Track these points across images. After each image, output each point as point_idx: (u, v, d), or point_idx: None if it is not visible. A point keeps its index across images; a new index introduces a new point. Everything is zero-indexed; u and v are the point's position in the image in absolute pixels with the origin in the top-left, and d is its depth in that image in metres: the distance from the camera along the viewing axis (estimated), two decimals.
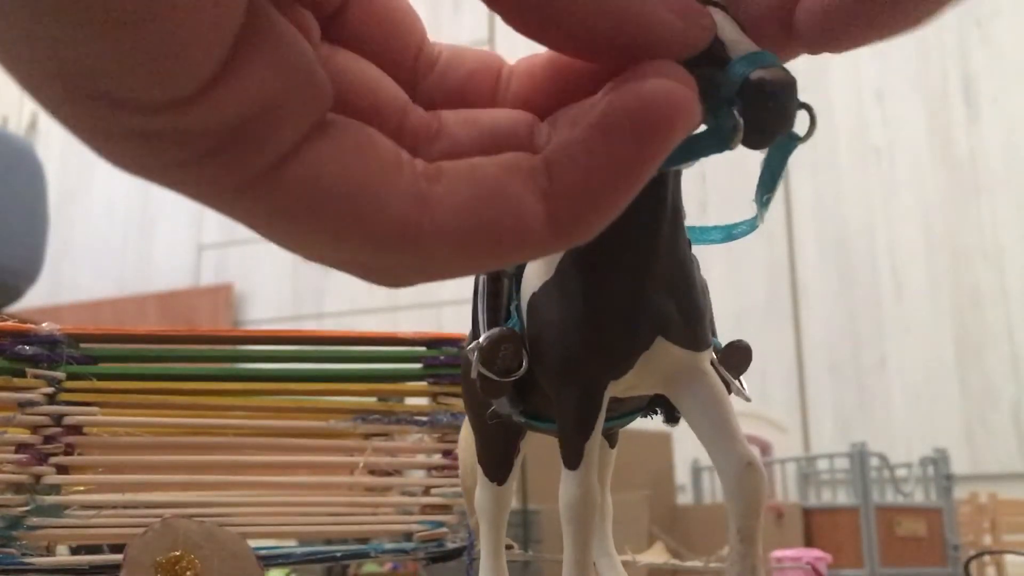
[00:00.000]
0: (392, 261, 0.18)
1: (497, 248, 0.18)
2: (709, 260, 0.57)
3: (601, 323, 0.52)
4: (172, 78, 0.15)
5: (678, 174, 0.49)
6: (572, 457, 0.53)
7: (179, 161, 0.16)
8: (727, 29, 0.44)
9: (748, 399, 0.58)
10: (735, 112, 0.33)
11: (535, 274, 0.55)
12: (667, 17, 0.19)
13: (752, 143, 0.34)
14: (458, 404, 0.81)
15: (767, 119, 0.34)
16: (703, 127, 0.34)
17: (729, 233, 0.36)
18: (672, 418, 0.59)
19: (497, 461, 0.65)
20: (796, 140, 0.33)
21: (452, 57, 0.21)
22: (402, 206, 0.17)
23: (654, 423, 0.65)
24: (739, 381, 0.57)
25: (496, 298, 0.58)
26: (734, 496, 0.49)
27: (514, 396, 0.57)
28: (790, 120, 0.33)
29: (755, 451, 0.53)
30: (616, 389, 0.54)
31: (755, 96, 0.35)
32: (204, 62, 0.15)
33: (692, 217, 0.49)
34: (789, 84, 0.35)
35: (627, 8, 0.18)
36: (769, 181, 0.33)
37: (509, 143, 0.18)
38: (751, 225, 0.34)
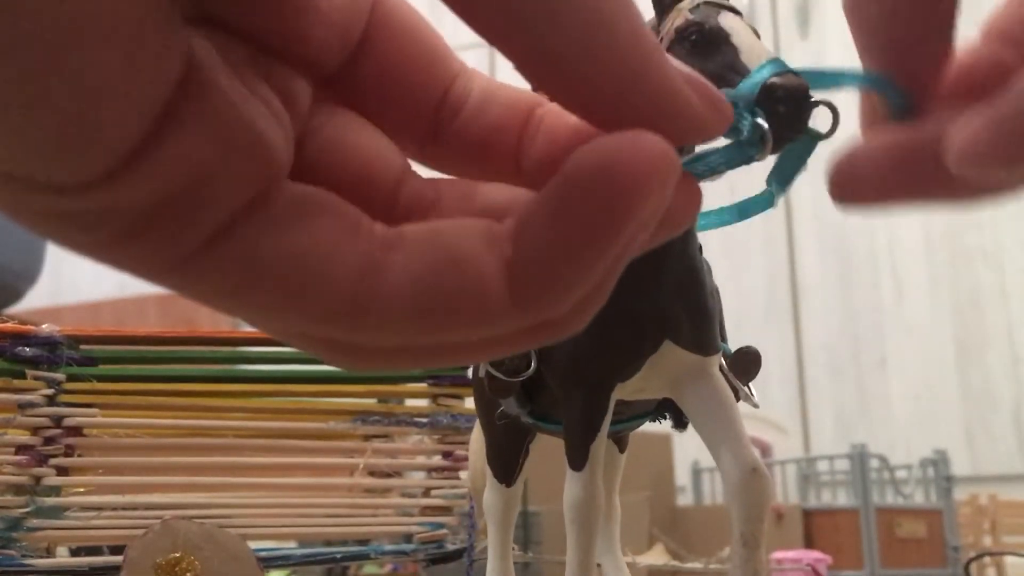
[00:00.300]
0: (345, 336, 0.17)
1: (454, 321, 0.16)
2: (709, 260, 0.56)
3: (609, 325, 0.52)
4: (75, 162, 0.14)
5: None
6: (577, 458, 0.53)
7: (105, 241, 0.15)
8: (742, 34, 0.44)
9: (756, 405, 0.58)
10: (759, 121, 0.33)
11: None
12: (687, 96, 0.17)
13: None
14: (458, 405, 0.81)
15: (780, 124, 0.34)
16: (724, 140, 0.34)
17: (741, 211, 0.35)
18: (680, 423, 0.60)
19: (506, 463, 0.66)
20: (819, 137, 0.33)
21: (482, 100, 0.19)
22: (351, 277, 0.16)
23: (654, 424, 0.65)
24: (748, 387, 0.57)
25: None
26: (738, 501, 0.49)
27: (522, 396, 0.57)
28: (802, 125, 0.34)
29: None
30: (623, 392, 0.55)
31: (768, 102, 0.35)
32: (113, 145, 0.14)
33: None
34: (802, 89, 0.36)
35: (645, 77, 0.16)
36: (788, 174, 0.33)
37: None
38: (765, 202, 0.34)
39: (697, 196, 0.18)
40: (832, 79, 0.28)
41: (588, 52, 0.16)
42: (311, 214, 0.16)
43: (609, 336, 0.52)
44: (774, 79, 0.36)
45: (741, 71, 0.42)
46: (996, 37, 0.23)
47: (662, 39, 0.47)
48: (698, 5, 0.46)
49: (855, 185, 0.24)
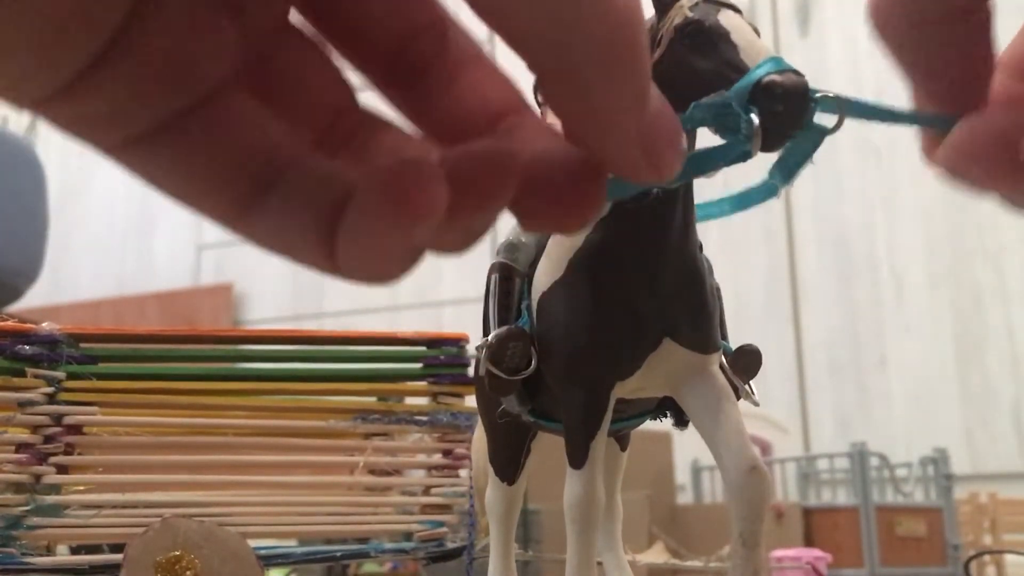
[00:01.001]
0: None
1: (297, 260, 0.20)
2: (708, 257, 0.56)
3: (609, 323, 0.52)
4: (35, 89, 0.17)
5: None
6: (578, 456, 0.53)
7: (67, 125, 0.18)
8: (742, 32, 0.44)
9: (756, 403, 0.58)
10: (752, 117, 0.34)
11: (545, 273, 0.55)
12: (632, 154, 0.19)
13: (764, 145, 0.34)
14: (458, 404, 0.81)
15: (778, 121, 0.34)
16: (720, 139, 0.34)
17: (741, 201, 0.35)
18: (681, 421, 0.60)
19: (508, 461, 0.66)
20: (825, 132, 0.34)
21: (460, 75, 0.21)
22: (227, 211, 0.20)
23: (653, 423, 0.65)
24: (748, 385, 0.57)
25: (507, 296, 0.58)
26: (738, 499, 0.49)
27: (523, 395, 0.57)
28: (801, 122, 0.34)
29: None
30: (623, 390, 0.54)
31: (766, 99, 0.35)
32: (65, 74, 0.17)
33: None
34: (800, 86, 0.36)
35: (604, 130, 0.19)
36: (792, 167, 0.33)
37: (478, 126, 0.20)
38: (766, 192, 0.34)
39: (591, 202, 0.20)
40: (892, 117, 0.29)
41: (597, 103, 0.18)
42: (217, 138, 0.19)
43: (609, 334, 0.52)
44: (773, 76, 0.36)
45: (741, 69, 0.42)
46: (1013, 73, 0.26)
47: (662, 37, 0.47)
48: (698, 3, 0.46)
49: (967, 163, 0.26)
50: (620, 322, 0.52)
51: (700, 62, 0.45)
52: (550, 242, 0.56)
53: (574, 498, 0.53)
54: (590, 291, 0.52)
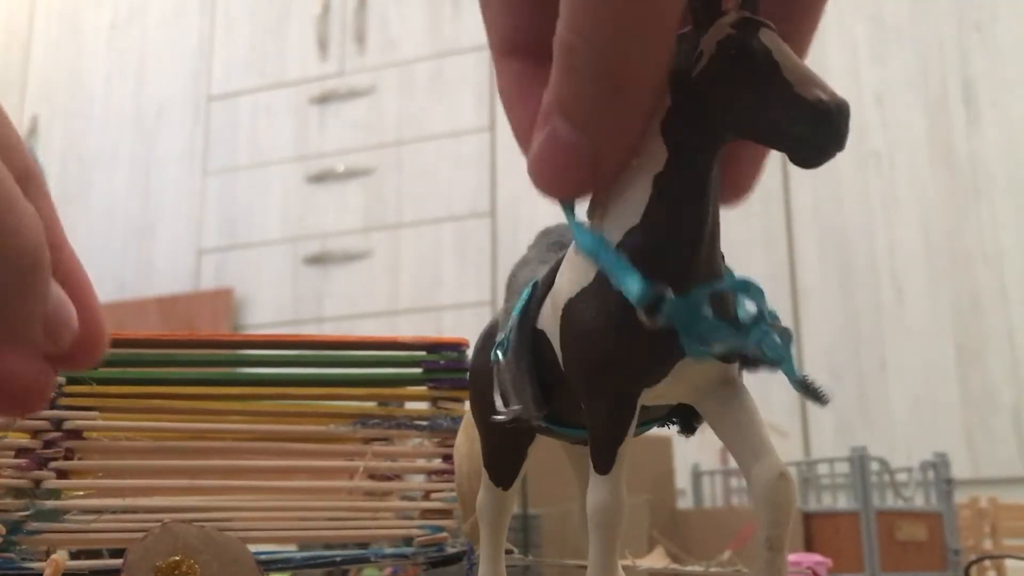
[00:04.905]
0: None
1: None
2: None
3: (639, 331, 0.52)
4: None
5: (718, 189, 0.49)
6: (604, 462, 0.53)
7: None
8: (783, 50, 0.45)
9: None
10: (793, 132, 0.35)
11: (571, 280, 0.55)
12: (37, 335, 0.30)
13: (805, 162, 0.36)
14: (458, 408, 0.81)
15: (821, 139, 0.36)
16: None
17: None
18: (688, 428, 0.60)
19: (505, 466, 0.66)
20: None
21: None
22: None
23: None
24: None
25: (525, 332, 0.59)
26: (766, 506, 0.49)
27: (539, 400, 0.57)
28: (843, 140, 0.36)
29: None
30: (646, 397, 0.55)
31: (812, 117, 0.37)
32: None
33: None
34: (843, 106, 0.37)
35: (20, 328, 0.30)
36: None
37: None
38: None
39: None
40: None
41: None
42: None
43: (639, 342, 0.53)
44: (818, 93, 0.38)
45: (781, 86, 0.43)
46: None
47: (702, 51, 0.48)
48: (738, 20, 0.47)
49: None
50: (650, 329, 0.52)
51: (743, 79, 0.45)
52: (572, 249, 0.56)
53: (600, 503, 0.53)
54: (620, 298, 0.53)
